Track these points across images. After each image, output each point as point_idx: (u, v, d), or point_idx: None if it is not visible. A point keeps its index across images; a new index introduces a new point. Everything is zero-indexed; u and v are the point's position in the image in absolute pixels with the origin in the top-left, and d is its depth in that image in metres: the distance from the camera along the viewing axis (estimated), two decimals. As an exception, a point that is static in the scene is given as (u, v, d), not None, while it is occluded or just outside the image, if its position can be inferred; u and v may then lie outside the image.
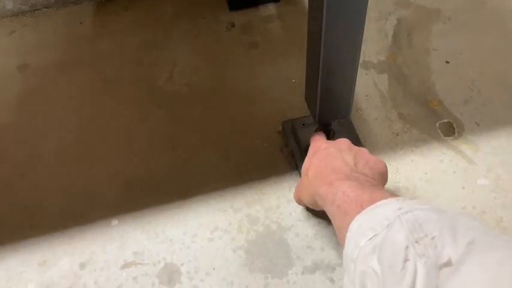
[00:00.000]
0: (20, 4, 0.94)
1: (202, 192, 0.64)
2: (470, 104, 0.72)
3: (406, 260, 0.33)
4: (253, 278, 0.56)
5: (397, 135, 0.69)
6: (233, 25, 0.88)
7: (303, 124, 0.67)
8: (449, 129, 0.69)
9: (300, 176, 0.64)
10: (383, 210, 0.39)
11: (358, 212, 0.40)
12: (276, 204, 0.62)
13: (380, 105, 0.73)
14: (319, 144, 0.56)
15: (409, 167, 0.65)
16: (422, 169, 0.65)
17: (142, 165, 0.69)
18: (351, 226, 0.40)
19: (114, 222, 0.62)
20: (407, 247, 0.34)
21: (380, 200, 0.40)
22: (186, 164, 0.68)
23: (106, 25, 0.91)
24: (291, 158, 0.67)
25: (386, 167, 0.52)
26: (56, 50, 0.88)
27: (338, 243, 0.58)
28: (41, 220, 0.64)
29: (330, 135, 0.65)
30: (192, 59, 0.83)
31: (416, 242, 0.34)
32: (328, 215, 0.47)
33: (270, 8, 0.90)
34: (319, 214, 0.60)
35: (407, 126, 0.70)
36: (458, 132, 0.69)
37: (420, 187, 0.63)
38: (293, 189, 0.64)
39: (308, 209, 0.61)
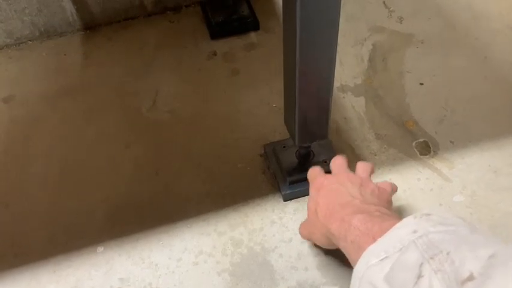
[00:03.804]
0: (5, 38, 0.95)
1: (187, 216, 0.65)
2: (444, 123, 0.75)
3: (420, 276, 0.33)
4: (238, 300, 0.57)
5: (375, 155, 0.71)
6: (215, 53, 0.91)
7: (284, 146, 0.69)
8: (425, 148, 0.72)
9: (283, 198, 0.66)
10: (398, 233, 0.39)
11: (371, 245, 0.41)
12: (259, 226, 0.64)
13: (358, 126, 0.76)
14: (320, 181, 0.56)
15: (388, 186, 0.67)
16: (400, 187, 0.66)
17: (127, 192, 0.69)
18: (370, 247, 0.40)
19: (100, 248, 0.63)
20: (421, 264, 0.33)
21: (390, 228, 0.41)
22: (169, 189, 0.69)
23: (89, 56, 0.93)
24: (273, 180, 0.69)
25: (391, 193, 0.54)
26: (41, 81, 0.89)
27: (321, 263, 0.60)
28: (26, 249, 0.64)
29: (310, 157, 0.67)
30: (175, 87, 0.85)
31: (431, 258, 0.33)
32: (343, 250, 0.48)
33: (251, 36, 0.93)
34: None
35: (385, 146, 0.73)
36: (433, 151, 0.71)
37: (398, 205, 0.65)
38: (276, 211, 0.65)
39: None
